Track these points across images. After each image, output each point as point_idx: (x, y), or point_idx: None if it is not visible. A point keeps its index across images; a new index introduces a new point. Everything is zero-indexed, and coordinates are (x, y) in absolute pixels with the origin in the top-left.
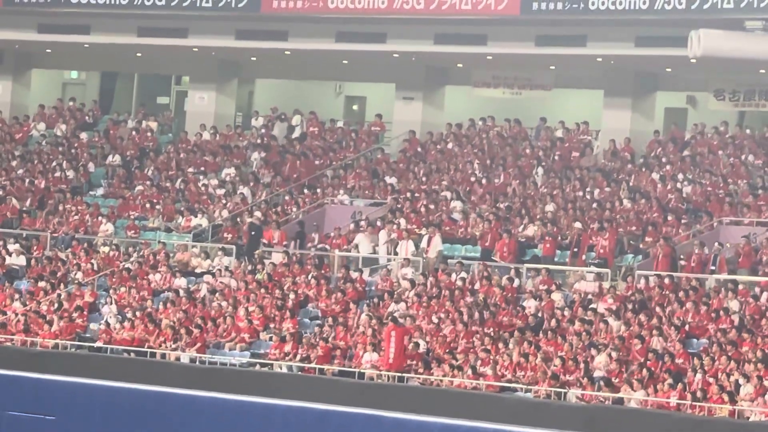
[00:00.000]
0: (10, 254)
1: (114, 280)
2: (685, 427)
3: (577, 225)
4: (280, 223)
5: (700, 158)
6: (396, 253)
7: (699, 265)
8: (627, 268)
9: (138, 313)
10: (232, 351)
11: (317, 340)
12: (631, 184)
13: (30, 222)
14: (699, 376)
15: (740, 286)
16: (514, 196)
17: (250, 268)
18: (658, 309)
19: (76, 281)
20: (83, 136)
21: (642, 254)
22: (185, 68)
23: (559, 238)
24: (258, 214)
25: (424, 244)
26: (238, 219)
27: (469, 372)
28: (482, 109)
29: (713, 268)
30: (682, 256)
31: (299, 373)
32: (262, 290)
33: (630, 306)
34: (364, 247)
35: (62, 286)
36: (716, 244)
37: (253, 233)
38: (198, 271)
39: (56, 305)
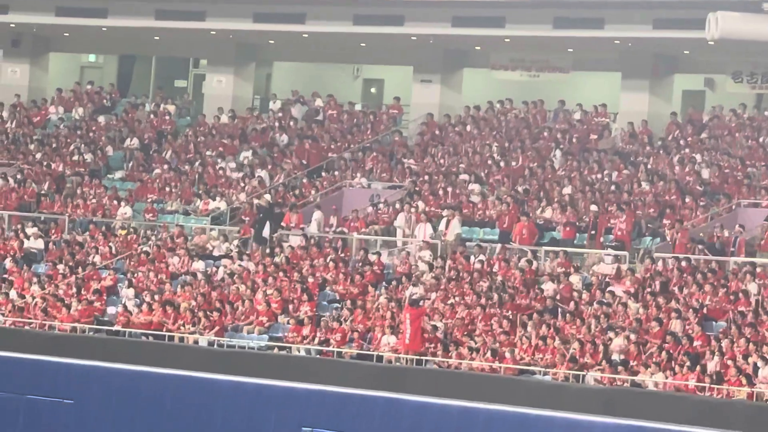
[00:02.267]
0: (28, 238)
1: (132, 263)
2: (703, 410)
3: (595, 208)
4: (298, 206)
5: (718, 141)
6: (414, 236)
7: (722, 247)
8: (645, 251)
9: (156, 297)
10: (250, 334)
11: (335, 323)
12: (649, 166)
13: (48, 205)
14: (717, 358)
15: (758, 269)
16: (532, 178)
17: (268, 251)
18: (676, 291)
19: (94, 265)
20: (101, 119)
21: (660, 237)
22: (203, 51)
23: (577, 222)
24: (267, 196)
25: (442, 226)
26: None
27: (488, 355)
28: (500, 91)
29: (733, 250)
30: (701, 234)
31: (317, 356)
32: (280, 273)
33: (649, 288)
34: (315, 225)
35: (80, 269)
36: (737, 226)
37: (261, 215)
38: (216, 254)
39: (74, 289)
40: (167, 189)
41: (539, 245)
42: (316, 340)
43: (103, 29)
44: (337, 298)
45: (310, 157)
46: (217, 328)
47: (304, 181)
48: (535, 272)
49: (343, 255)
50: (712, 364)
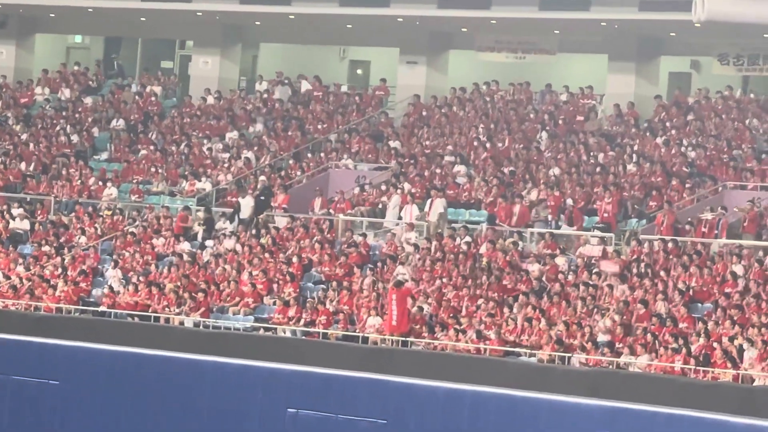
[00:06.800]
0: (13, 218)
1: (118, 244)
2: (690, 392)
3: (581, 189)
4: (286, 187)
5: (704, 123)
6: (400, 218)
7: (709, 230)
8: (631, 233)
9: (142, 278)
10: (236, 315)
11: (320, 304)
12: (635, 148)
13: (34, 186)
14: (703, 340)
15: (745, 251)
16: (518, 160)
17: (254, 232)
18: (662, 273)
19: (80, 246)
20: (87, 100)
21: (646, 218)
22: (189, 33)
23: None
24: (263, 178)
25: (426, 207)
26: (243, 182)
27: (473, 336)
28: (486, 73)
29: (716, 232)
30: (689, 219)
31: (303, 337)
32: (266, 254)
33: (635, 270)
34: (246, 210)
35: (66, 250)
36: (719, 208)
37: (262, 198)
38: (201, 235)
39: (60, 269)
40: (153, 170)
41: (526, 227)
42: (302, 322)
43: (90, 10)
44: (323, 279)
45: (292, 138)
46: (202, 309)
47: (291, 162)
48: (520, 254)
49: (329, 236)
50: (698, 346)
